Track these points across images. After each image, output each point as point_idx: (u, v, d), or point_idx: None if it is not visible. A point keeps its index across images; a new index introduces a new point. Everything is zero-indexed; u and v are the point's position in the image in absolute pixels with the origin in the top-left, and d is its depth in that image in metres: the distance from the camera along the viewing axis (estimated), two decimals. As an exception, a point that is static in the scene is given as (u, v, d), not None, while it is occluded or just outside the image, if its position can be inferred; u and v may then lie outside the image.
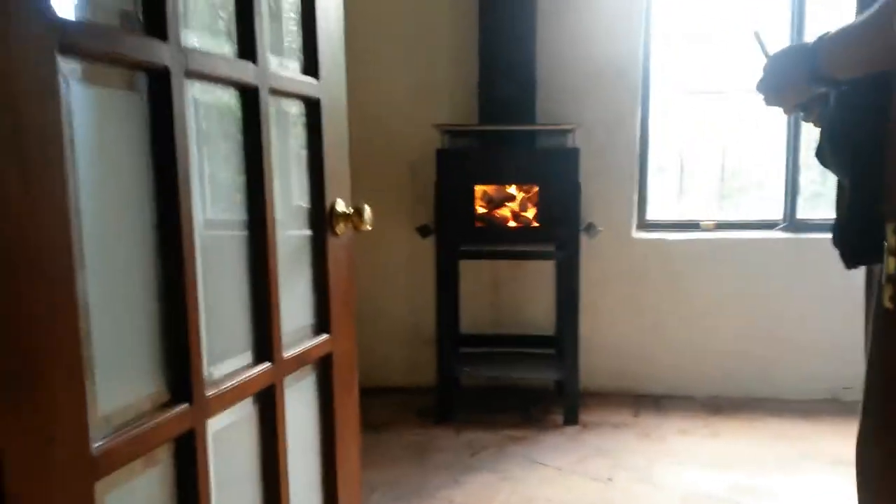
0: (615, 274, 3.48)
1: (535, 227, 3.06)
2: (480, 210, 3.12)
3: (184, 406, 1.04)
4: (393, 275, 3.61)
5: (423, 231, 3.12)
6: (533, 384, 3.56)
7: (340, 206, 1.69)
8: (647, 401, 3.42)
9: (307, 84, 1.52)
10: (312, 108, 1.61)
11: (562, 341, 3.32)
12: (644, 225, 3.55)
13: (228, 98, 1.23)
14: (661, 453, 2.79)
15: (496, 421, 3.15)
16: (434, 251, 3.13)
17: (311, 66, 1.58)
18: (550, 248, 3.12)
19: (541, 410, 3.29)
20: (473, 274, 3.54)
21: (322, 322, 1.60)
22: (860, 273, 1.40)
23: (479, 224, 3.06)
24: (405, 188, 3.55)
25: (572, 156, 2.98)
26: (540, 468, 2.66)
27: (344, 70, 1.76)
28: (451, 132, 3.18)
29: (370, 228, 1.73)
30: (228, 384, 1.18)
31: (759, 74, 1.34)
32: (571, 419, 3.10)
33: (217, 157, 1.24)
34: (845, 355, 3.39)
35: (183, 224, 1.01)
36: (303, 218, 1.66)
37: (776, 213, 3.51)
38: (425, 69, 3.47)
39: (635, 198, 3.47)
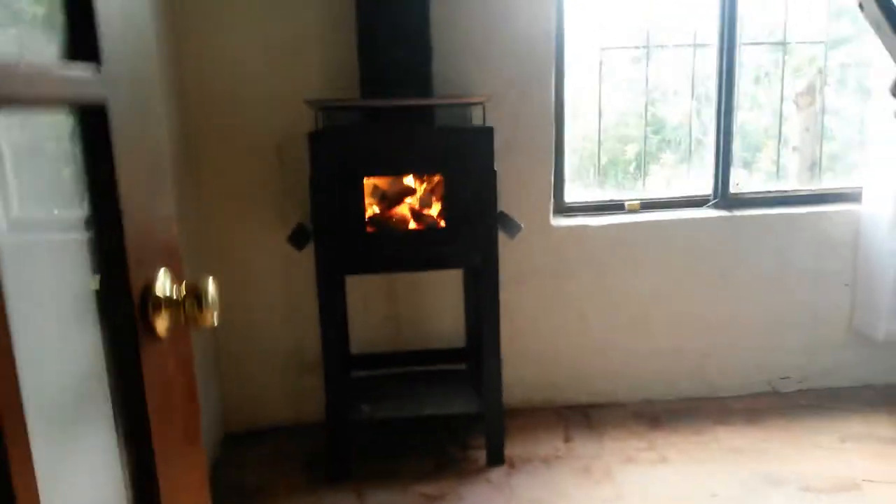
0: (532, 268, 2.93)
1: (441, 228, 2.42)
2: (372, 210, 2.44)
3: None
4: (264, 286, 2.87)
5: (297, 239, 2.39)
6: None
7: (162, 284, 0.99)
8: (576, 414, 2.95)
9: (73, 78, 0.79)
10: (92, 119, 0.89)
11: (475, 356, 2.76)
12: (562, 209, 3.01)
13: None
14: (610, 498, 2.31)
15: (405, 469, 2.54)
16: (313, 262, 2.43)
17: (83, 43, 0.87)
18: (461, 250, 2.51)
19: (458, 446, 2.72)
20: (363, 282, 2.87)
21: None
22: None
23: (370, 229, 2.38)
24: (272, 180, 2.79)
25: (484, 136, 2.35)
26: (471, 543, 2.10)
27: (152, 46, 1.04)
28: (327, 109, 2.45)
29: (215, 323, 1.04)
30: None
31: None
32: (496, 457, 2.56)
33: None
34: (783, 342, 3.08)
35: None
36: (82, 314, 0.96)
37: (706, 187, 3.08)
38: (289, 34, 2.69)
39: (552, 178, 2.91)
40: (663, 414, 2.93)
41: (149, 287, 0.92)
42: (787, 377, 3.09)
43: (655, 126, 3.19)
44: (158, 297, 0.93)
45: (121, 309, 0.89)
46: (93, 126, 0.83)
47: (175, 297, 0.97)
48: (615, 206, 3.05)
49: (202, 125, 2.71)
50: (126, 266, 0.88)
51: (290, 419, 2.97)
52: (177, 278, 1.01)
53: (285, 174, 2.77)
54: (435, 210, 2.46)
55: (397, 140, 2.38)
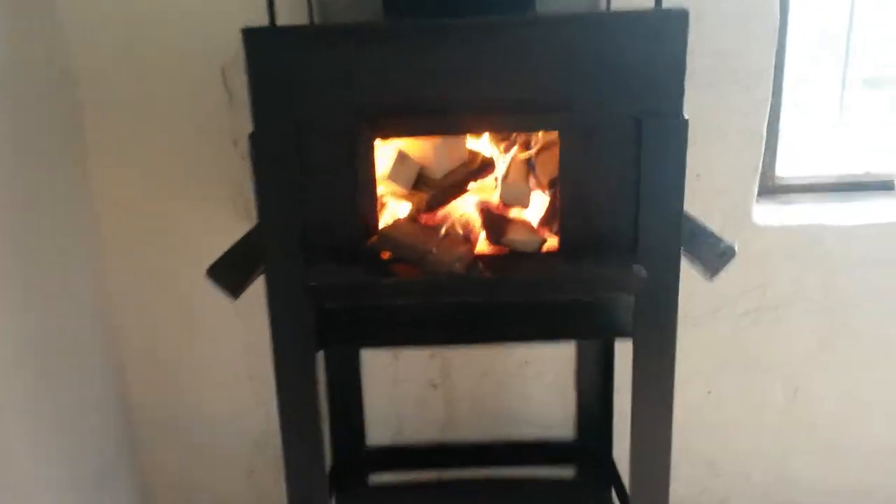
0: (710, 303, 1.55)
1: (550, 253, 1.06)
2: (393, 210, 1.09)
3: None
4: (210, 326, 1.59)
5: (228, 270, 1.07)
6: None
7: None
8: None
9: None
10: None
11: (595, 455, 1.46)
12: (771, 190, 1.59)
13: None
14: None
15: None
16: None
17: None
18: (597, 305, 1.13)
19: None
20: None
21: None
22: None
23: (386, 254, 1.03)
24: (217, 136, 1.48)
25: (671, 32, 0.96)
26: None
27: None
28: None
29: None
30: None
31: None
32: None
33: None
34: None
35: None
36: None
37: None
38: None
39: (763, 132, 1.48)
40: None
41: None
42: None
43: None
44: None
45: None
46: None
47: None
48: (873, 185, 1.60)
49: (83, 36, 1.40)
50: None
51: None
52: None
53: (240, 123, 1.45)
54: (536, 211, 1.09)
55: (455, 47, 0.99)
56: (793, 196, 1.59)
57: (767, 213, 1.53)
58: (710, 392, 1.62)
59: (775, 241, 1.51)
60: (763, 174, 1.54)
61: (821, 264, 1.52)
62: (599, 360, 1.56)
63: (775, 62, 1.43)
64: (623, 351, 1.55)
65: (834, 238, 1.51)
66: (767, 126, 1.48)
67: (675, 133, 0.99)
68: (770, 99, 1.45)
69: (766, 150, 1.51)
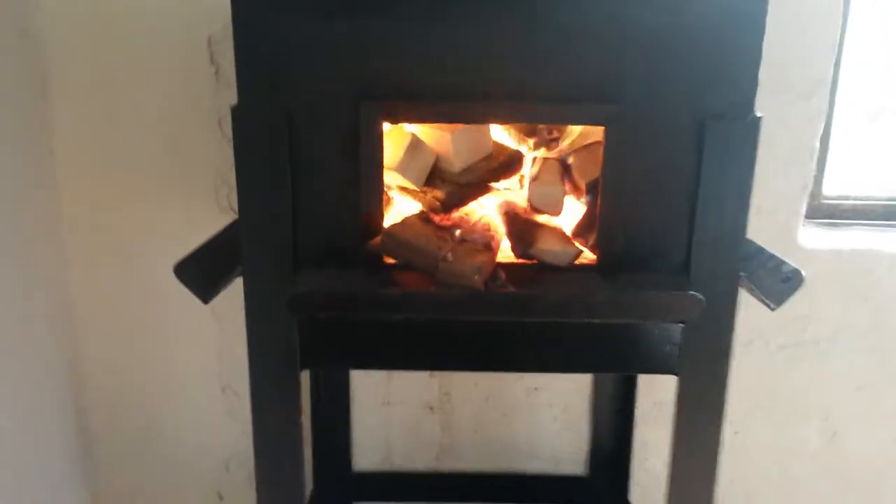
0: (748, 336, 1.39)
1: (587, 271, 0.89)
2: (400, 208, 0.93)
3: None
4: (185, 332, 1.42)
5: (194, 277, 0.90)
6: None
7: None
8: None
9: None
10: None
11: (608, 495, 1.30)
12: (818, 212, 1.43)
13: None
14: None
15: None
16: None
17: None
18: (641, 335, 0.97)
19: None
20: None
21: None
22: None
23: (390, 259, 0.87)
24: (202, 116, 1.31)
25: (749, 14, 0.80)
26: None
27: None
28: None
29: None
30: None
31: None
32: None
33: None
34: None
35: None
36: None
37: None
38: None
39: (816, 144, 1.32)
40: None
41: None
42: None
43: None
44: None
45: None
46: None
47: None
48: (931, 211, 1.45)
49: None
50: None
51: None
52: None
53: (226, 100, 1.28)
54: (569, 218, 0.93)
55: (481, 17, 0.83)
56: (839, 218, 1.43)
57: (814, 236, 1.37)
58: (736, 433, 1.46)
59: (822, 268, 1.35)
60: (811, 193, 1.38)
61: (871, 296, 1.36)
62: (618, 390, 1.39)
63: (832, 83, 1.28)
64: (645, 381, 1.40)
65: (887, 266, 1.35)
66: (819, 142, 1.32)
67: (745, 137, 0.82)
68: (826, 111, 1.30)
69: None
